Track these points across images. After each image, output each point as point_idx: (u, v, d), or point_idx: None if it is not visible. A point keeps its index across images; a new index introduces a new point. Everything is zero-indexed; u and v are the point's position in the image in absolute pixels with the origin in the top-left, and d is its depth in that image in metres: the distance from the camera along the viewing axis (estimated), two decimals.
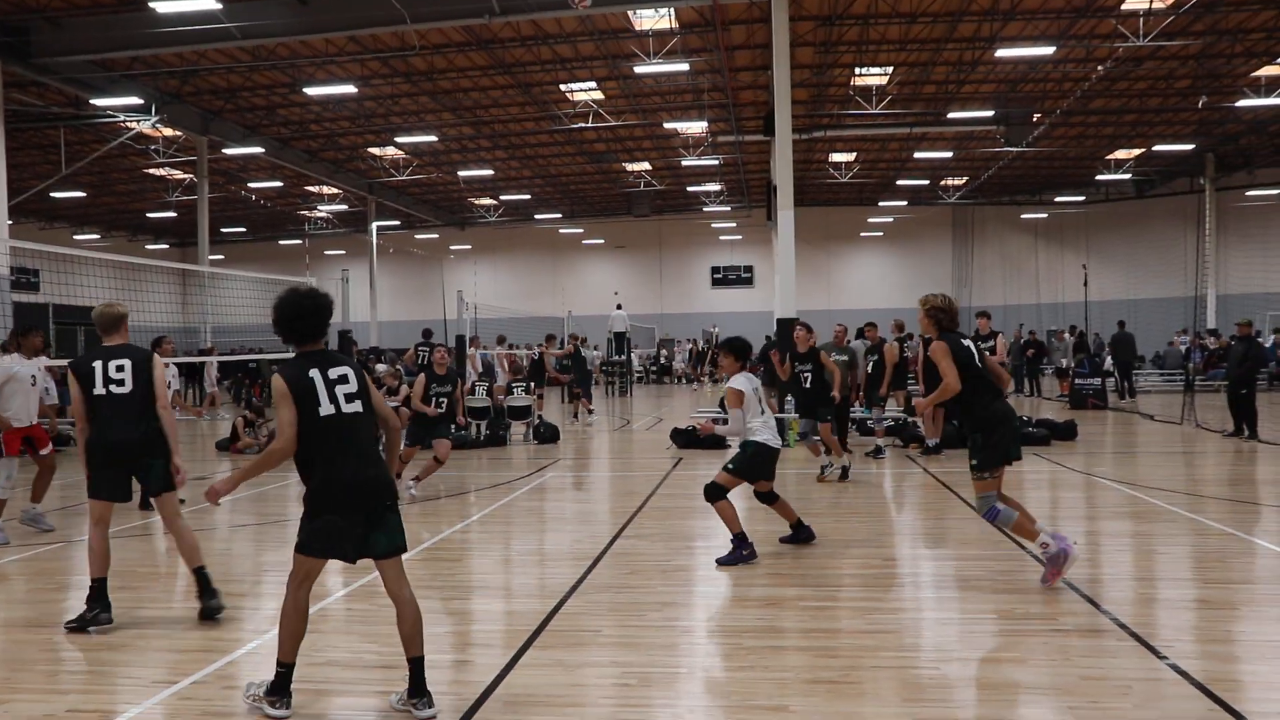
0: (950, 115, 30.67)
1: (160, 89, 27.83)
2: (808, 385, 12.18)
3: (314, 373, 4.61)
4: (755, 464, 7.78)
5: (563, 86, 28.87)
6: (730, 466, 7.79)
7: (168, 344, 13.96)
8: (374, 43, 24.62)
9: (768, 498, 8.11)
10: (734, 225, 49.15)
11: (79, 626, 6.10)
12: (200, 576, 6.35)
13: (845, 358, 14.46)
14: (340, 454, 4.56)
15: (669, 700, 4.83)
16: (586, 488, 12.69)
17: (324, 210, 47.38)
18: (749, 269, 50.18)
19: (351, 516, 4.56)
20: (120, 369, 6.39)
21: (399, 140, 34.25)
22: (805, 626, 6.01)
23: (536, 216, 50.05)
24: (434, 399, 11.43)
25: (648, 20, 23.21)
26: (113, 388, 6.34)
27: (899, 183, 43.52)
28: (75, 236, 47.28)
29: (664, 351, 42.36)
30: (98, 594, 6.18)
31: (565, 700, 4.81)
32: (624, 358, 32.42)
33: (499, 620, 6.40)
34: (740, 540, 7.66)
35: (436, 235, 52.41)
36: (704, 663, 5.45)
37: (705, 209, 47.53)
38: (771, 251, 35.78)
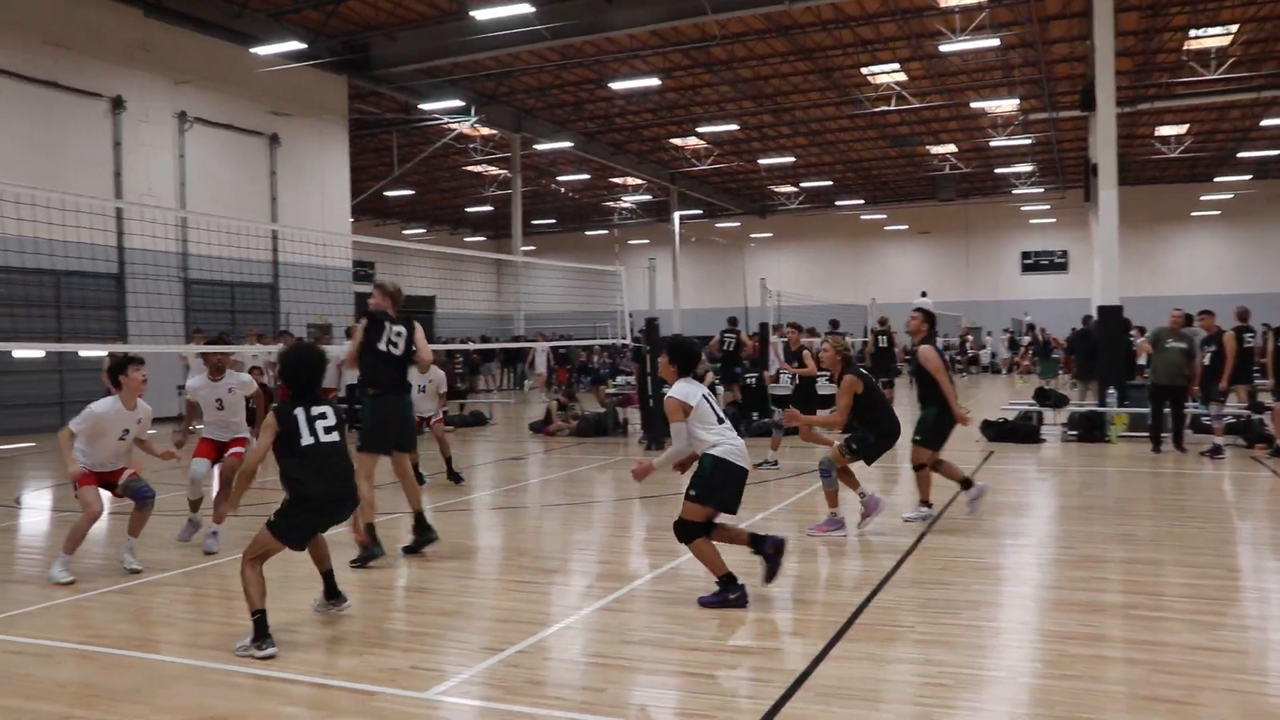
0: None
1: (478, 91, 29.71)
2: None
3: (299, 411, 5.65)
4: (719, 484, 6.18)
5: (864, 69, 28.31)
6: (692, 493, 6.22)
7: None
8: (675, 35, 25.13)
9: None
10: (1046, 207, 46.47)
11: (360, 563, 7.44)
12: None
13: (1183, 345, 13.39)
14: (318, 475, 5.60)
15: (987, 704, 4.59)
16: (893, 479, 12.38)
17: (628, 201, 48.98)
18: (1063, 253, 47.30)
19: (320, 521, 5.73)
20: (399, 334, 7.84)
21: (700, 130, 34.85)
22: (1136, 637, 5.55)
23: (837, 203, 49.49)
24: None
25: None
26: (391, 349, 7.80)
27: (1240, 155, 39.39)
28: (404, 231, 51.47)
29: (970, 340, 40.72)
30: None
31: (878, 696, 4.69)
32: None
33: (806, 609, 6.34)
34: (727, 583, 6.22)
35: (738, 223, 52.94)
36: (1024, 667, 5.14)
37: (1015, 191, 45.22)
38: (1088, 234, 33.49)
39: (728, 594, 6.18)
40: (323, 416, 5.71)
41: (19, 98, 19.28)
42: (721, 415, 6.36)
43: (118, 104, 21.05)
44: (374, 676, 5.00)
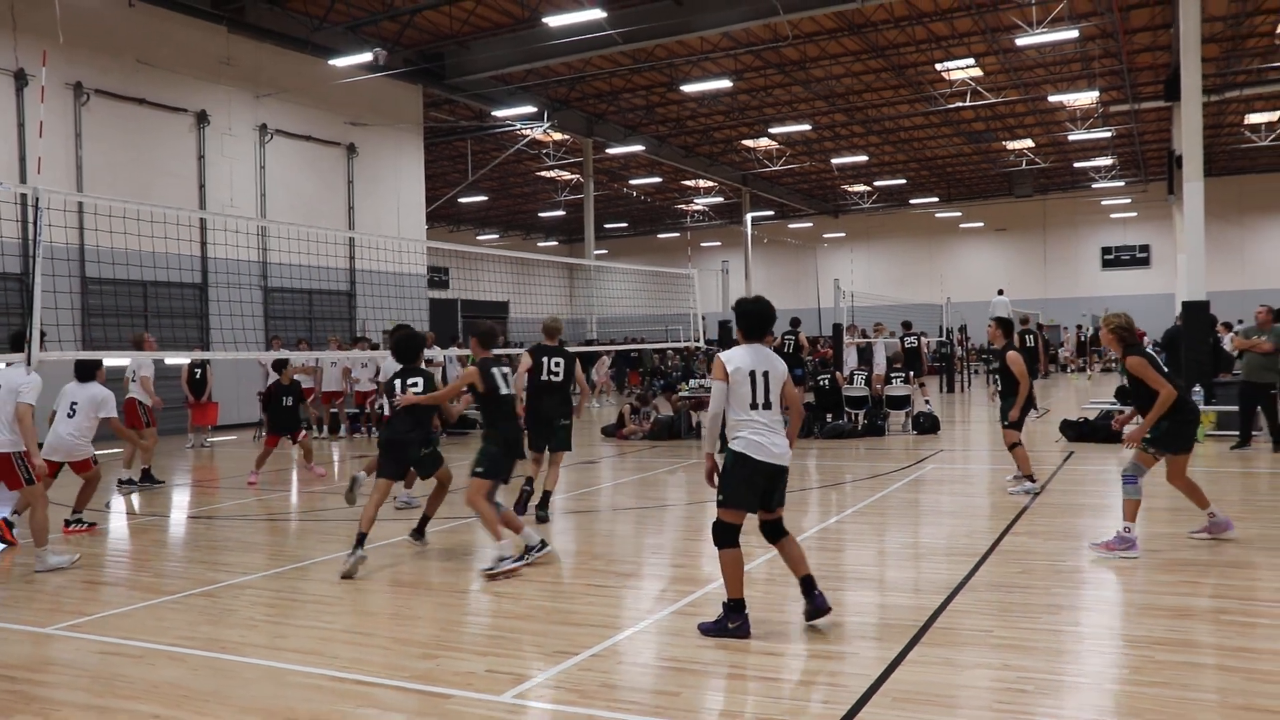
0: None
1: (550, 97, 29.93)
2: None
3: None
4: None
5: (938, 66, 27.94)
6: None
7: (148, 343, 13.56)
8: (747, 36, 25.06)
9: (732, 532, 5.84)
10: (1127, 201, 45.38)
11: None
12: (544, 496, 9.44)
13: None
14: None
15: (1070, 711, 4.48)
16: (969, 481, 12.19)
17: (700, 203, 48.94)
18: (1144, 248, 46.20)
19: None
20: (557, 364, 9.33)
21: (772, 131, 34.70)
22: (1228, 644, 5.38)
23: (912, 201, 48.91)
24: None
25: None
26: (551, 377, 9.30)
27: None
28: (478, 237, 52.02)
29: (1043, 336, 39.87)
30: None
31: (956, 701, 4.60)
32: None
33: (880, 614, 6.26)
34: (734, 609, 5.64)
35: (810, 224, 52.64)
36: (1110, 674, 5.01)
37: (1094, 185, 44.23)
38: (1172, 228, 32.65)
39: (727, 622, 5.62)
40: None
41: (110, 115, 19.88)
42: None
43: (202, 118, 21.60)
44: (449, 680, 5.05)
